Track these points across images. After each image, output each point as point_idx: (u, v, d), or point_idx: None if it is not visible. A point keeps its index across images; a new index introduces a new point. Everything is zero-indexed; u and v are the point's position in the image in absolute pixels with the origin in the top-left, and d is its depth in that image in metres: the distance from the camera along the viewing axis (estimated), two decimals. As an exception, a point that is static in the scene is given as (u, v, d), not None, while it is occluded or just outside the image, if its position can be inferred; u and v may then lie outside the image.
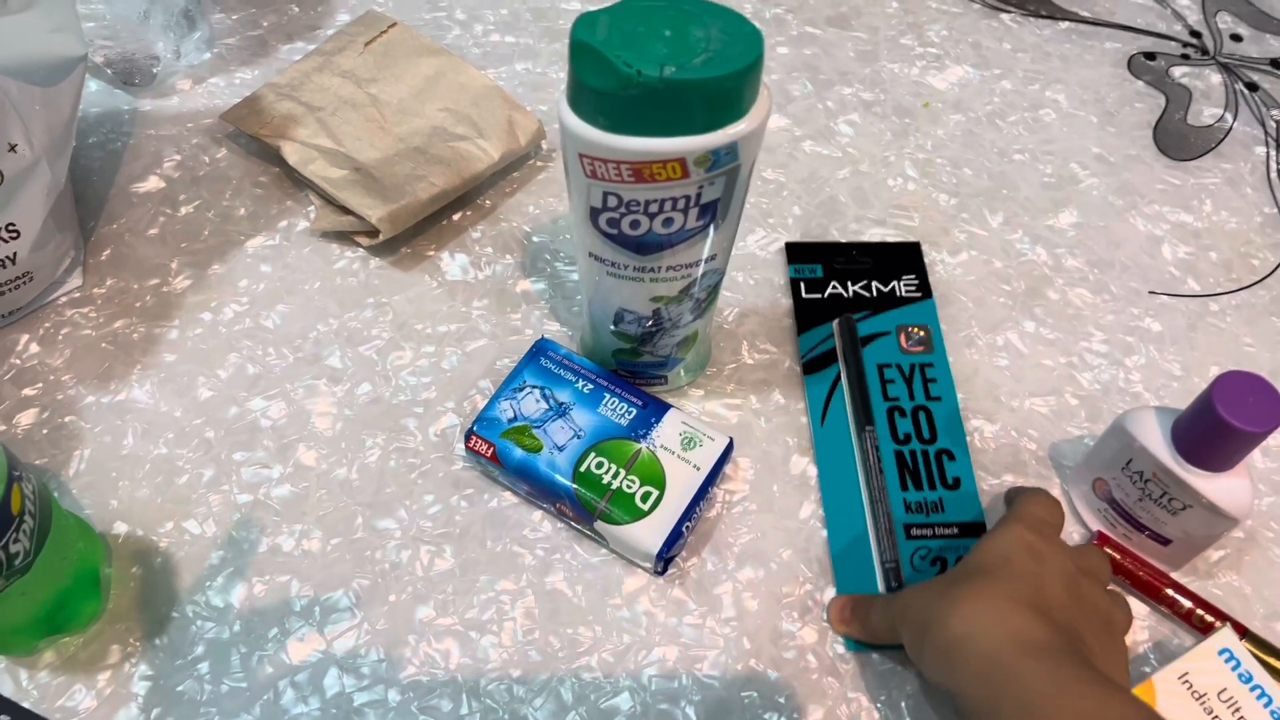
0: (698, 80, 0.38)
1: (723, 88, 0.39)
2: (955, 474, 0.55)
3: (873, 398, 0.57)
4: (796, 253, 0.64)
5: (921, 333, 0.59)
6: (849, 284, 0.62)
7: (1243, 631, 0.50)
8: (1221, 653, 0.46)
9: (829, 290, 0.62)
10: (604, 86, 0.39)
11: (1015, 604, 0.42)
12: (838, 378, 0.58)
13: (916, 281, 0.62)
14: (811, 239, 0.65)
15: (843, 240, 0.65)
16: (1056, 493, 0.55)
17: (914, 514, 0.54)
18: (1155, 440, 0.48)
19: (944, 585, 0.45)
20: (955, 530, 0.53)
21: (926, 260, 0.64)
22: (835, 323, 0.60)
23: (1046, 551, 0.45)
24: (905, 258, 0.64)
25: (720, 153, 0.41)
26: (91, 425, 0.55)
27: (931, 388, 0.58)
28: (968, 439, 0.56)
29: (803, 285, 0.62)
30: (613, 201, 0.43)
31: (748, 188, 0.45)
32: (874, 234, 0.65)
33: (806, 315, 0.61)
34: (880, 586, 0.52)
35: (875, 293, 0.62)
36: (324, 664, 0.48)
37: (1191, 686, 0.46)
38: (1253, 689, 0.45)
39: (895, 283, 0.62)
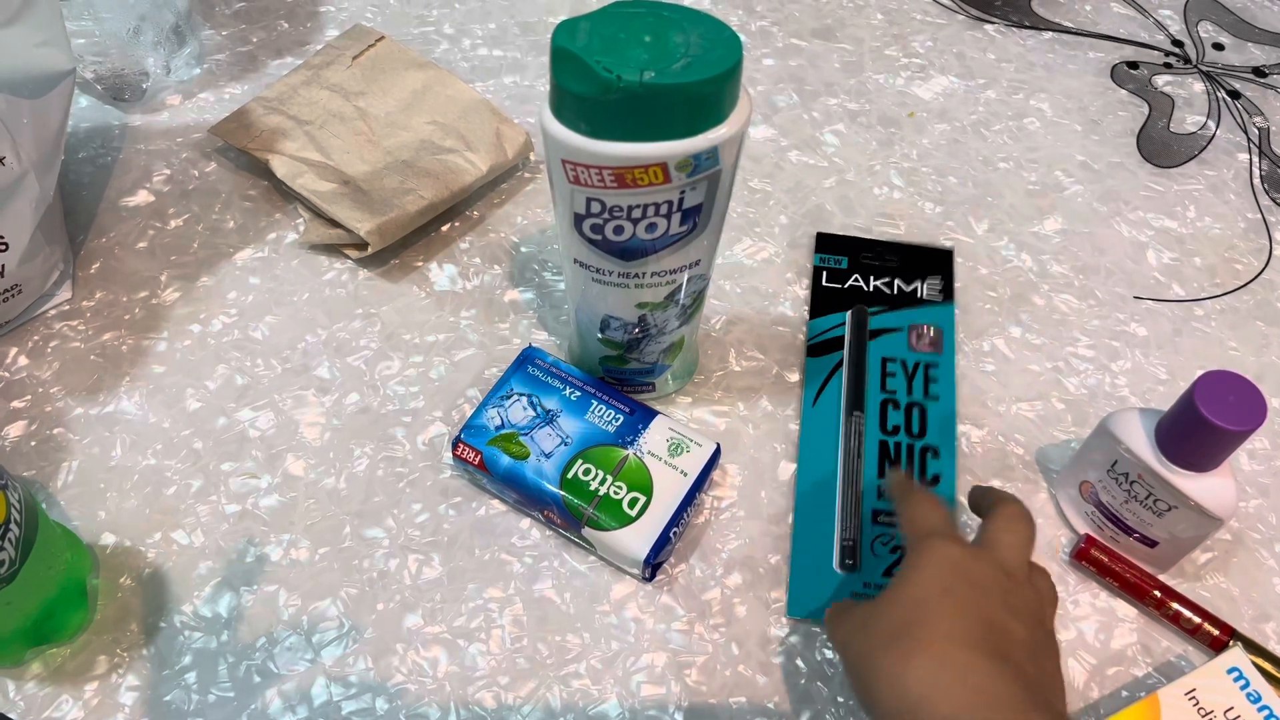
0: (677, 85, 0.38)
1: (702, 92, 0.39)
2: (936, 471, 0.55)
3: (869, 387, 0.58)
4: (825, 243, 0.65)
5: (932, 333, 0.60)
6: (871, 279, 0.63)
7: (1230, 633, 0.50)
8: (1230, 671, 0.46)
9: (850, 282, 0.63)
10: (585, 92, 0.39)
11: (973, 652, 0.38)
12: (839, 363, 0.59)
13: (940, 285, 0.63)
14: (837, 232, 0.66)
15: (876, 238, 0.66)
16: (1043, 497, 0.56)
17: (885, 501, 0.54)
18: (1139, 441, 0.48)
19: (885, 629, 0.41)
20: None
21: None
22: (850, 312, 0.61)
23: (975, 567, 0.42)
24: (935, 261, 0.64)
25: (701, 157, 0.41)
26: (80, 437, 0.55)
27: (932, 387, 0.58)
28: (956, 443, 0.57)
29: (825, 274, 0.63)
30: (596, 207, 0.44)
31: (730, 193, 0.45)
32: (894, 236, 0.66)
33: (822, 302, 0.62)
34: (835, 562, 0.52)
35: (896, 291, 0.62)
36: (311, 673, 0.48)
37: (1198, 703, 0.45)
38: (1261, 709, 0.45)
39: (919, 283, 0.63)
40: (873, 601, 0.43)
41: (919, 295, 0.62)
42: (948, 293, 0.62)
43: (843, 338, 0.60)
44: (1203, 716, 0.45)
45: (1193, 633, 0.50)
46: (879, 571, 0.52)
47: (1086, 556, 0.52)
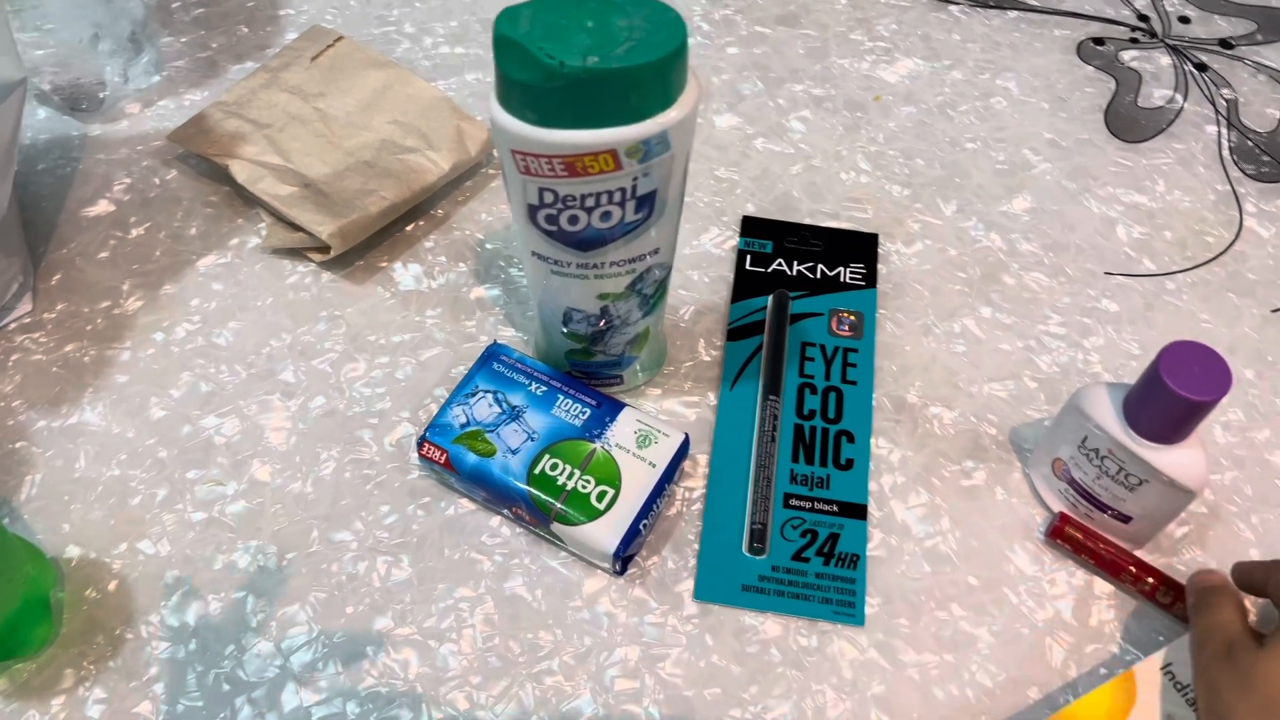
0: (621, 69, 0.38)
1: (647, 76, 0.39)
2: (850, 455, 0.55)
3: (787, 371, 0.58)
4: (751, 227, 0.64)
5: (853, 318, 0.60)
6: (795, 264, 0.62)
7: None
8: None
9: (773, 266, 0.62)
10: (529, 79, 0.39)
11: None
12: (759, 347, 0.59)
13: (864, 271, 0.62)
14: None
15: (803, 222, 0.65)
16: (1018, 477, 0.55)
17: (797, 485, 0.54)
18: (1108, 416, 0.48)
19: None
20: (835, 509, 0.53)
21: (880, 251, 0.64)
22: (771, 296, 0.61)
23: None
24: (859, 246, 0.64)
25: (651, 142, 0.41)
26: (43, 450, 0.55)
27: (850, 372, 0.58)
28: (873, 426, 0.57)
29: (749, 258, 0.63)
30: (549, 198, 0.43)
31: (685, 178, 0.45)
32: (831, 225, 0.65)
33: (744, 286, 0.62)
34: (744, 546, 0.52)
35: (820, 275, 0.62)
36: (281, 679, 0.48)
37: (1174, 678, 0.45)
38: None
39: (842, 269, 0.62)
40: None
41: (841, 280, 0.62)
42: (870, 278, 0.62)
43: (763, 321, 0.60)
44: (1179, 690, 0.45)
45: (1169, 607, 0.50)
46: (788, 555, 0.51)
47: (1061, 534, 0.52)
